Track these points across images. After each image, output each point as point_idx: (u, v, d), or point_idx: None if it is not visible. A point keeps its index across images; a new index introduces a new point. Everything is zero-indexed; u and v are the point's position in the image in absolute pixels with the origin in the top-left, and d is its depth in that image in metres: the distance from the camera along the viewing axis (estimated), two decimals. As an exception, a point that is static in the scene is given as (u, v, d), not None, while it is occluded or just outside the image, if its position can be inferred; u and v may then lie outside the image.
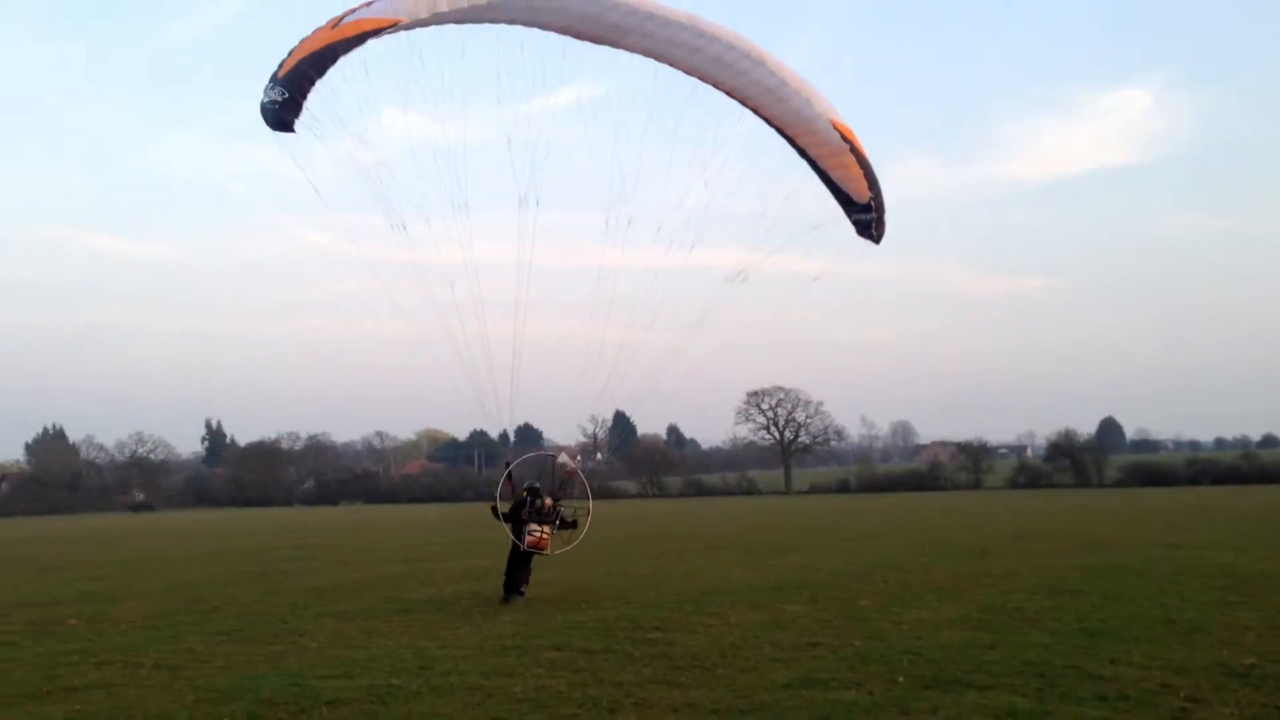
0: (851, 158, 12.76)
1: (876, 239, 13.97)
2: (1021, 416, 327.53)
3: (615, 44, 12.73)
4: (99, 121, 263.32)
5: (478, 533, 51.45)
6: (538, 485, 17.45)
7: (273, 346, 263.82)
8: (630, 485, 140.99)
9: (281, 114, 11.68)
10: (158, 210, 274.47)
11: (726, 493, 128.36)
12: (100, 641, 17.38)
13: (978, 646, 14.70)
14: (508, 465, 17.62)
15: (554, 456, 16.34)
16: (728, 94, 12.88)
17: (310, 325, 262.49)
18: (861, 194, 12.92)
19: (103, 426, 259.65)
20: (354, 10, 11.55)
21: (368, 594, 23.37)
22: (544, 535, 16.94)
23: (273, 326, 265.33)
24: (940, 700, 11.46)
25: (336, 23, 11.38)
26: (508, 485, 17.56)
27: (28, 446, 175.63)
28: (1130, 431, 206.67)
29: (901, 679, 12.60)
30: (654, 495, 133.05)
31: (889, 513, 63.43)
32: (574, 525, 17.45)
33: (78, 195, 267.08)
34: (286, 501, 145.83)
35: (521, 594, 19.82)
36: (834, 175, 13.06)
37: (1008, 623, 16.89)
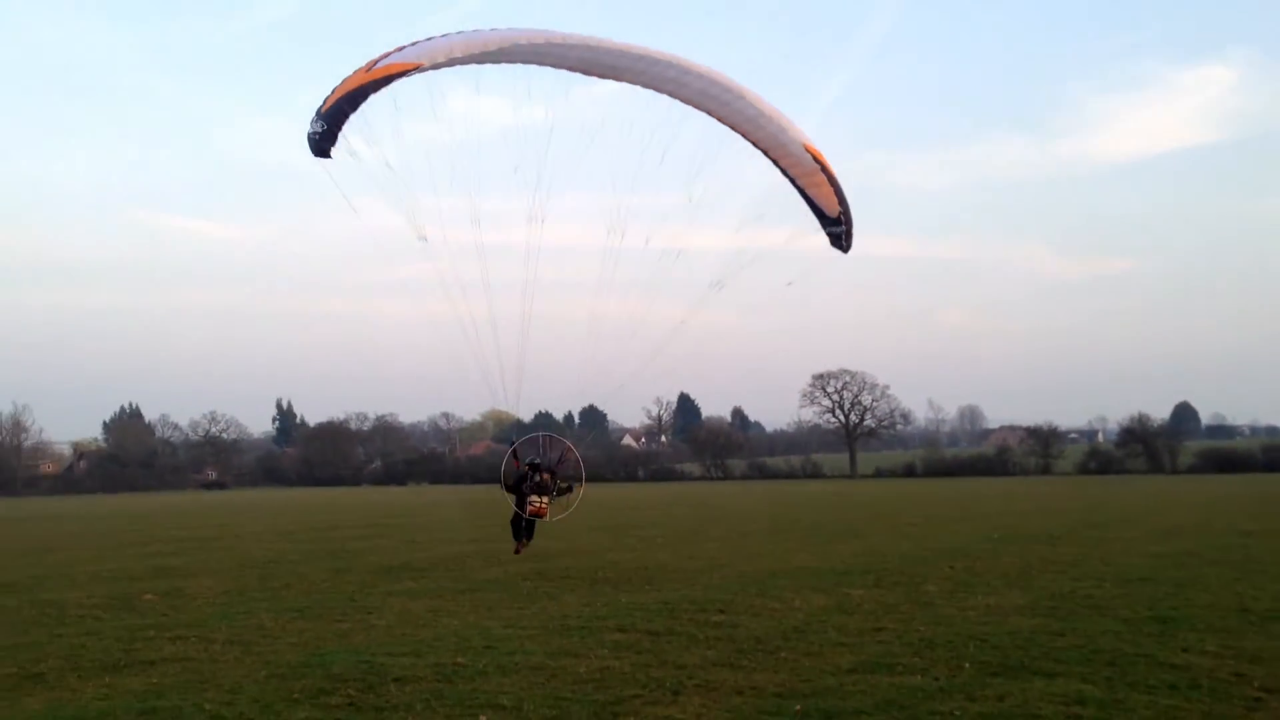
0: (823, 177, 14.37)
1: (845, 249, 15.57)
2: (1093, 401, 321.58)
3: (615, 79, 14.58)
4: (183, 104, 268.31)
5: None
6: (538, 461, 18.20)
7: (342, 328, 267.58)
8: (694, 468, 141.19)
9: (321, 143, 13.92)
10: (234, 193, 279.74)
11: (791, 476, 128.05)
12: (175, 616, 17.78)
13: (1046, 634, 14.51)
14: (513, 444, 18.36)
15: (550, 435, 17.02)
16: (718, 120, 14.55)
17: (379, 307, 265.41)
18: (833, 209, 14.46)
19: (177, 406, 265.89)
20: (387, 55, 13.73)
21: (434, 573, 23.65)
22: (543, 505, 18.05)
23: (343, 308, 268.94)
24: (1007, 687, 11.35)
25: (371, 66, 13.57)
26: (513, 463, 18.36)
27: (105, 425, 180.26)
28: (1205, 416, 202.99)
29: (968, 665, 12.50)
30: (718, 478, 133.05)
31: (956, 498, 62.84)
32: (570, 490, 18.18)
33: (158, 178, 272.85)
34: (355, 481, 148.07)
35: (518, 552, 20.15)
36: (810, 193, 14.61)
37: (1077, 610, 16.66)
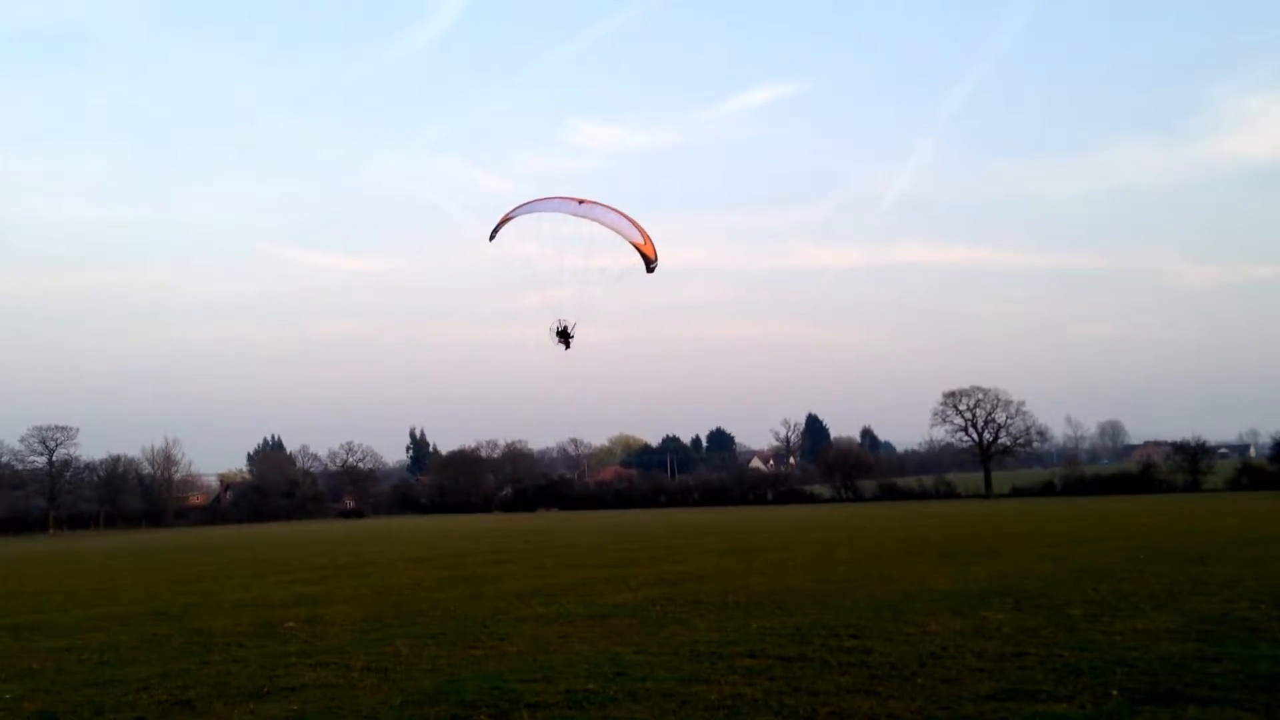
0: (651, 245, 27.58)
1: (651, 272, 28.14)
2: (1243, 414, 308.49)
3: (582, 219, 27.41)
4: (315, 142, 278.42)
5: (672, 539, 51.81)
6: (564, 328, 27.61)
7: (473, 356, 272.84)
8: (823, 489, 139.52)
9: (490, 238, 28.48)
10: (364, 226, 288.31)
11: (923, 496, 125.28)
12: (316, 643, 18.21)
13: (1200, 659, 13.84)
14: (558, 320, 28.00)
15: (565, 318, 27.79)
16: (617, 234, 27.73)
17: (508, 334, 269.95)
18: (652, 257, 27.67)
19: (316, 437, 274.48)
20: (516, 208, 28.29)
21: (564, 599, 23.79)
22: (567, 343, 27.69)
23: (474, 336, 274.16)
24: (1159, 715, 10.84)
25: (507, 213, 28.30)
26: (558, 325, 27.82)
27: (249, 457, 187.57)
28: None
29: (1115, 692, 11.99)
30: (848, 499, 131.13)
31: (1098, 516, 60.63)
32: (572, 337, 27.88)
33: (291, 215, 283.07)
34: (485, 508, 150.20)
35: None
36: (644, 253, 27.63)
37: (1232, 633, 15.87)
